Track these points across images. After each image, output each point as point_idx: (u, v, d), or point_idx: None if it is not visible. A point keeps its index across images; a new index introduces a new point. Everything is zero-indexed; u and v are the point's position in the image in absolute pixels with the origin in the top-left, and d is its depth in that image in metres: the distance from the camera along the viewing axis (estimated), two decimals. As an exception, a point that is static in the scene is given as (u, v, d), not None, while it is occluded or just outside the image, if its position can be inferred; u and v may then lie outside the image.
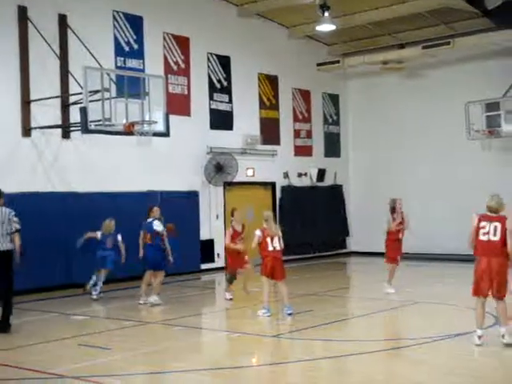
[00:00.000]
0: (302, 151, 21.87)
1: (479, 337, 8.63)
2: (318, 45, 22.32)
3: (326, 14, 17.49)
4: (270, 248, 11.25)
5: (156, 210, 13.30)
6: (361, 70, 22.43)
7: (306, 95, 22.07)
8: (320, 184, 22.01)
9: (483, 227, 8.79)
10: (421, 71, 21.72)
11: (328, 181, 22.38)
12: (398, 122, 22.17)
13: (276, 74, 21.00)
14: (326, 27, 18.31)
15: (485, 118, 18.63)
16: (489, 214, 8.90)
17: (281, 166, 20.88)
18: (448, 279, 16.15)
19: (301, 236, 20.75)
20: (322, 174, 21.97)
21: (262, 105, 20.59)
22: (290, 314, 11.13)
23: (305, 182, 21.70)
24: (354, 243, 23.12)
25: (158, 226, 13.12)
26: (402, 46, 21.36)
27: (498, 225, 8.66)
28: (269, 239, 11.26)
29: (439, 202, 21.00)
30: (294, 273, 18.77)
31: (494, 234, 8.65)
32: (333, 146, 23.05)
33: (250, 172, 19.87)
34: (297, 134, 21.77)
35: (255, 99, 20.40)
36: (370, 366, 8.05)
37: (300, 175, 21.56)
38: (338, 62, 21.65)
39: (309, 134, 22.18)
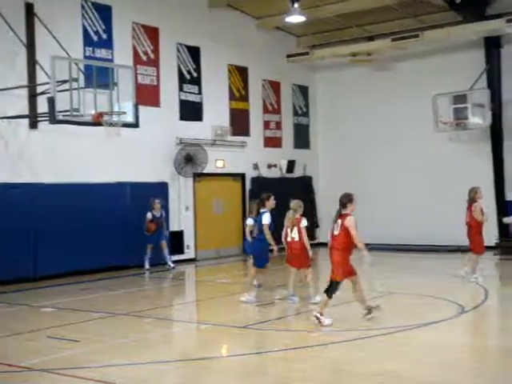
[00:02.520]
0: (272, 142, 21.90)
1: None
2: (287, 36, 22.33)
3: (296, 5, 17.50)
4: (288, 238, 11.60)
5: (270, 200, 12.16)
6: (330, 62, 22.49)
7: (275, 86, 22.09)
8: (289, 175, 22.07)
9: None
10: (389, 63, 21.85)
11: (297, 172, 22.45)
12: (366, 114, 22.30)
13: (246, 65, 20.97)
14: (295, 18, 18.32)
15: (452, 110, 18.84)
16: None
17: (250, 158, 20.88)
18: (419, 270, 16.32)
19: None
20: (291, 165, 22.02)
21: (231, 96, 20.55)
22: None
23: (274, 173, 21.73)
24: (323, 234, 23.22)
25: (266, 219, 12.02)
26: (370, 39, 21.46)
27: None
28: (288, 230, 11.61)
29: (407, 192, 21.21)
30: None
31: None
32: (302, 138, 23.11)
33: (219, 163, 19.85)
34: (266, 125, 21.79)
35: (225, 90, 20.35)
36: (340, 356, 8.12)
37: (270, 166, 21.59)
38: (307, 53, 21.67)
39: (278, 126, 22.22)
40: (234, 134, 20.36)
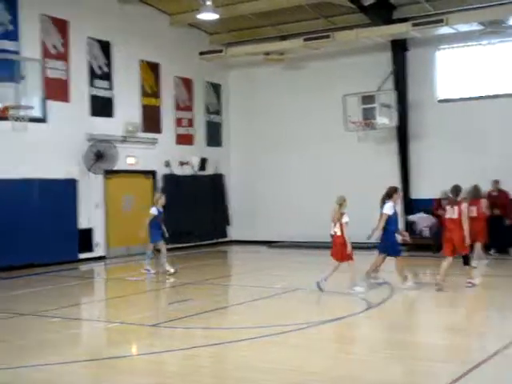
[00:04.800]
0: (184, 140, 21.80)
1: None
2: (200, 33, 22.27)
3: (209, 2, 17.45)
4: (331, 232, 12.14)
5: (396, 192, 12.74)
6: (243, 61, 22.57)
7: (188, 84, 21.99)
8: (201, 173, 22.03)
9: None
10: (302, 63, 22.14)
11: (209, 170, 22.44)
12: (278, 113, 22.52)
13: (158, 62, 20.78)
14: (208, 16, 18.26)
15: (361, 111, 19.30)
16: None
17: (162, 155, 20.71)
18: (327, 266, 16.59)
19: (182, 225, 20.72)
20: (203, 163, 21.99)
21: (143, 92, 20.33)
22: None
23: (186, 170, 21.64)
24: (234, 232, 23.34)
25: (388, 209, 12.41)
26: (283, 38, 21.66)
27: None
28: (332, 224, 12.13)
29: (317, 191, 21.52)
30: (175, 262, 18.76)
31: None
32: (214, 136, 23.12)
33: (130, 160, 19.59)
34: (178, 122, 21.67)
35: (136, 86, 20.10)
36: (249, 353, 8.17)
37: (182, 164, 21.49)
38: (220, 51, 21.62)
39: (190, 123, 22.13)
40: (146, 130, 20.15)
